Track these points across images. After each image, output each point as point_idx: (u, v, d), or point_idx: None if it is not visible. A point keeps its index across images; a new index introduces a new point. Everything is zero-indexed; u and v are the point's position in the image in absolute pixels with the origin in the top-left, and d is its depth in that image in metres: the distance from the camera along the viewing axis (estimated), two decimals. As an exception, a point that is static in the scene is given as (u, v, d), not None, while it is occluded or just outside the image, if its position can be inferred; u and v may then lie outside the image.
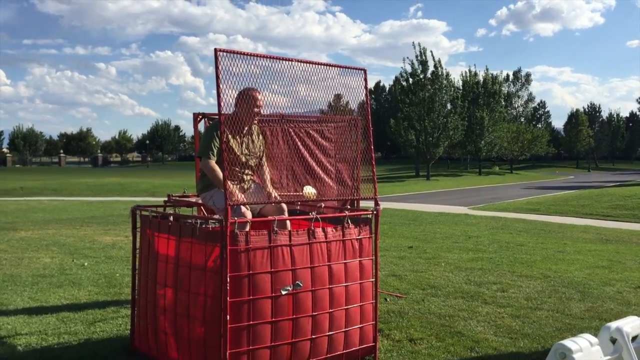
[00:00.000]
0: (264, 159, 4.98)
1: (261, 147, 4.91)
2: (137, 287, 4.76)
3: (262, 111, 4.65)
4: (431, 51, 48.65)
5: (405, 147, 49.38)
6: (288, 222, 4.55)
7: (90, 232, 12.39)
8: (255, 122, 4.80)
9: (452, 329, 5.46)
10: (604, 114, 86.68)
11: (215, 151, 4.53)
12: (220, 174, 4.45)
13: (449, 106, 48.80)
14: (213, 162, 4.51)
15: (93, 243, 10.64)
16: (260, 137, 4.93)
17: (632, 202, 19.90)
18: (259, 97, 4.54)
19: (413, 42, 67.54)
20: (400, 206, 20.60)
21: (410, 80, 47.23)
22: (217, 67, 3.83)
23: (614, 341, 2.92)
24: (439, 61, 47.48)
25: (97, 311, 5.96)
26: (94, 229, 12.85)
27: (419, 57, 47.07)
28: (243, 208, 4.31)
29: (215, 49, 3.87)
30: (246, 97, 4.48)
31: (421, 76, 47.11)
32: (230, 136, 4.58)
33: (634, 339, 3.02)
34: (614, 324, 2.89)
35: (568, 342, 2.54)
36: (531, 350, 4.91)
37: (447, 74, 48.06)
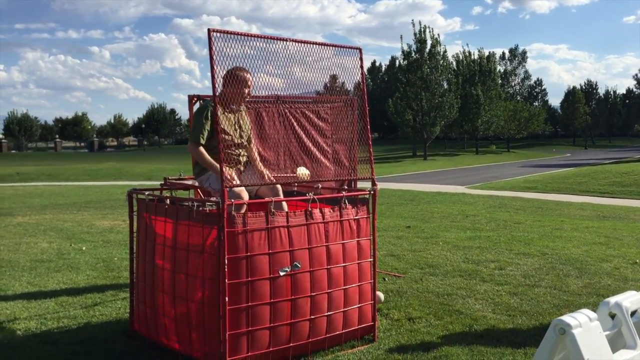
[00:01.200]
0: (252, 138, 4.95)
1: (249, 127, 4.87)
2: (135, 271, 4.75)
3: (251, 91, 4.60)
4: (431, 28, 48.40)
5: (403, 127, 49.27)
6: (284, 203, 4.53)
7: (87, 216, 12.38)
8: (244, 102, 4.76)
9: (451, 308, 5.48)
10: (601, 91, 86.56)
11: (205, 135, 4.49)
12: (208, 158, 4.45)
13: (445, 85, 48.63)
14: (200, 147, 4.48)
15: (91, 227, 10.63)
16: (247, 117, 4.88)
17: (629, 178, 19.95)
18: (249, 77, 4.48)
19: (412, 21, 66.73)
20: (398, 186, 20.60)
21: (408, 59, 46.98)
22: (210, 48, 3.79)
23: (613, 316, 2.92)
24: (437, 39, 47.21)
25: (96, 295, 5.97)
26: (91, 214, 12.84)
27: (417, 36, 46.77)
28: (238, 189, 4.28)
29: (209, 30, 3.82)
30: (235, 77, 4.42)
31: (417, 55, 46.85)
32: (223, 117, 4.54)
33: (632, 313, 3.04)
34: (613, 299, 2.89)
35: (567, 318, 2.54)
36: (529, 327, 4.94)
37: (445, 52, 47.86)
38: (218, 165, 4.10)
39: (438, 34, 47.25)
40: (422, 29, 46.87)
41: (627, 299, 2.93)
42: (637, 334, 2.91)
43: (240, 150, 4.72)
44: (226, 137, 4.50)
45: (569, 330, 2.48)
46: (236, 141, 4.65)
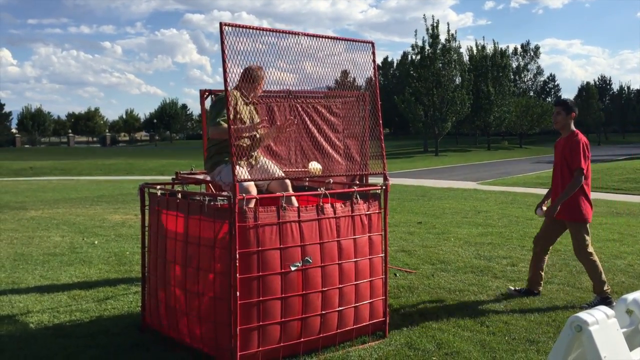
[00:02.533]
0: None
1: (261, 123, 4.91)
2: (147, 265, 4.77)
3: (262, 88, 4.74)
4: (447, 23, 48.09)
5: (414, 122, 49.02)
6: (294, 198, 4.53)
7: (99, 210, 12.45)
8: (257, 98, 4.86)
9: (463, 304, 5.46)
10: (615, 87, 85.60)
11: (225, 119, 4.52)
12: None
13: (457, 80, 48.30)
14: (224, 125, 4.50)
15: (103, 222, 10.69)
16: (258, 114, 4.95)
17: (643, 175, 19.71)
18: (263, 75, 4.60)
19: (424, 16, 65.87)
20: (409, 182, 20.53)
21: (421, 54, 46.69)
22: (222, 42, 3.78)
23: (630, 313, 2.88)
24: (452, 35, 46.90)
25: (108, 289, 6.00)
26: (103, 208, 12.91)
27: (429, 31, 46.46)
28: (247, 184, 4.28)
29: (221, 23, 3.81)
30: (251, 74, 4.53)
31: (430, 50, 46.55)
32: (241, 107, 4.59)
33: (650, 311, 2.99)
34: (630, 296, 2.85)
35: (584, 315, 2.50)
36: (542, 323, 4.90)
37: (459, 48, 47.59)
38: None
39: (455, 31, 46.88)
40: (436, 24, 46.54)
41: (644, 295, 2.88)
42: (655, 331, 2.87)
43: (253, 143, 4.72)
44: (241, 125, 4.55)
45: (586, 327, 2.44)
46: (253, 132, 4.67)
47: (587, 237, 5.49)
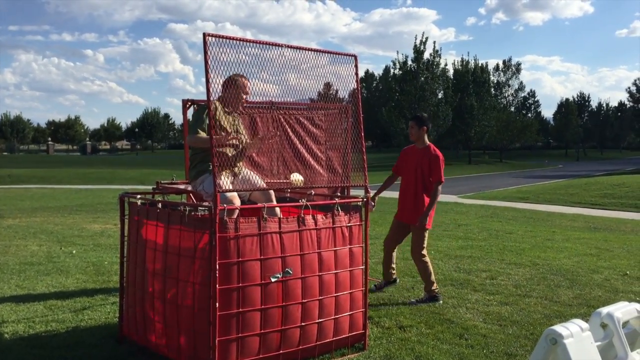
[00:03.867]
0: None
1: (245, 133, 4.92)
2: (126, 275, 4.72)
3: (248, 98, 4.71)
4: (434, 42, 48.66)
5: (397, 135, 49.31)
6: (277, 209, 4.53)
7: (78, 219, 12.30)
8: (242, 108, 4.85)
9: (442, 316, 5.47)
10: (593, 104, 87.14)
11: (205, 129, 4.53)
12: (207, 137, 4.46)
13: (439, 95, 48.78)
14: (202, 133, 4.51)
15: (81, 231, 10.56)
16: (242, 124, 4.96)
17: (620, 190, 20.05)
18: (247, 84, 4.58)
19: (416, 35, 65.62)
20: (391, 195, 20.58)
21: (403, 69, 47.13)
22: (205, 53, 3.78)
23: (604, 326, 2.92)
24: (437, 52, 47.48)
25: (85, 299, 5.92)
26: (82, 217, 12.76)
27: (417, 47, 46.95)
28: (230, 194, 4.27)
29: (204, 34, 3.82)
30: (235, 82, 4.52)
31: (413, 65, 47.01)
32: (222, 117, 4.59)
33: (624, 324, 3.03)
34: (604, 310, 2.89)
35: (559, 328, 2.54)
36: (520, 336, 4.93)
37: (445, 65, 48.31)
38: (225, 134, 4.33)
39: (440, 48, 47.63)
40: (424, 40, 47.03)
41: (619, 309, 2.93)
42: (629, 344, 2.91)
43: (237, 152, 4.71)
44: (223, 134, 4.55)
45: (561, 340, 2.48)
46: (234, 141, 4.65)
47: (425, 241, 6.05)
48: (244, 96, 4.64)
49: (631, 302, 3.11)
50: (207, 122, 4.51)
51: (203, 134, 4.51)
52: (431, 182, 6.03)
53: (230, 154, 4.57)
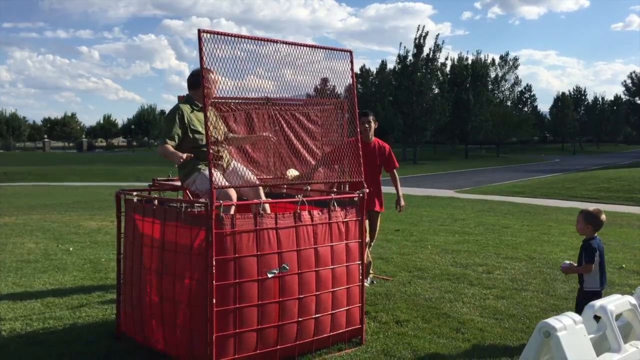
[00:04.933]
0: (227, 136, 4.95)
1: (222, 124, 4.88)
2: (123, 272, 4.73)
3: (217, 92, 4.58)
4: (437, 35, 48.57)
5: (394, 130, 49.36)
6: (267, 205, 4.53)
7: (75, 217, 12.29)
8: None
9: (439, 311, 5.50)
10: (589, 98, 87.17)
11: (174, 136, 4.52)
12: (171, 148, 4.45)
13: (436, 90, 48.82)
14: (168, 145, 4.49)
15: (78, 228, 10.55)
16: (215, 116, 4.86)
17: (616, 184, 20.11)
18: (215, 77, 4.38)
19: (418, 26, 65.06)
20: (387, 190, 20.61)
21: (403, 63, 47.08)
22: (200, 49, 3.78)
23: (598, 319, 2.94)
24: (438, 45, 47.42)
25: (83, 296, 5.92)
26: (79, 214, 12.75)
27: (416, 41, 46.84)
28: (227, 189, 4.27)
29: (199, 30, 3.81)
30: (202, 77, 4.39)
31: (413, 60, 46.95)
32: (192, 118, 4.59)
33: (617, 317, 3.06)
34: (598, 302, 2.91)
35: (552, 321, 2.56)
36: (516, 330, 4.96)
37: (446, 59, 48.36)
38: (180, 154, 4.30)
39: (443, 41, 47.62)
40: (425, 34, 46.92)
41: (612, 302, 2.95)
42: (622, 337, 2.93)
43: (218, 147, 4.67)
44: (197, 136, 4.54)
45: (554, 333, 2.50)
46: (217, 137, 4.61)
47: None
48: (213, 89, 4.46)
49: (624, 295, 3.13)
50: (177, 127, 4.51)
51: (170, 145, 4.48)
52: (386, 171, 6.71)
53: (213, 151, 4.51)
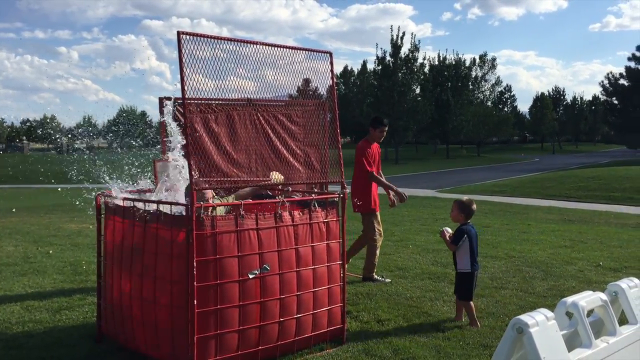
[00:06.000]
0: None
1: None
2: (103, 274, 4.71)
3: None
4: (413, 34, 48.81)
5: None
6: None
7: (55, 219, 12.17)
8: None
9: (420, 310, 5.55)
10: (568, 98, 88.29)
11: None
12: None
13: (418, 90, 49.05)
14: None
15: (58, 231, 10.45)
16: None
17: (594, 183, 20.41)
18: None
19: (392, 26, 65.52)
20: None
21: (382, 64, 47.22)
22: (180, 51, 3.78)
23: (570, 315, 3.01)
24: (416, 46, 47.61)
25: (63, 299, 5.88)
26: (59, 217, 12.62)
27: (393, 41, 47.01)
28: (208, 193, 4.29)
29: (178, 32, 3.81)
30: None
31: (392, 60, 47.11)
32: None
33: (589, 313, 3.13)
34: (569, 299, 2.98)
35: (525, 317, 2.61)
36: (495, 328, 5.03)
37: (424, 59, 48.58)
38: None
39: (419, 41, 47.81)
40: (401, 35, 47.09)
41: (583, 298, 3.02)
42: (594, 333, 3.00)
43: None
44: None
45: (526, 329, 2.55)
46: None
47: None
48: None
49: (596, 292, 3.20)
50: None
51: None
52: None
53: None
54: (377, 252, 6.78)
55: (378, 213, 6.87)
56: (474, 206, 5.41)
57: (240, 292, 4.01)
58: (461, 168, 41.52)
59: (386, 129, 6.90)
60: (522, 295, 6.09)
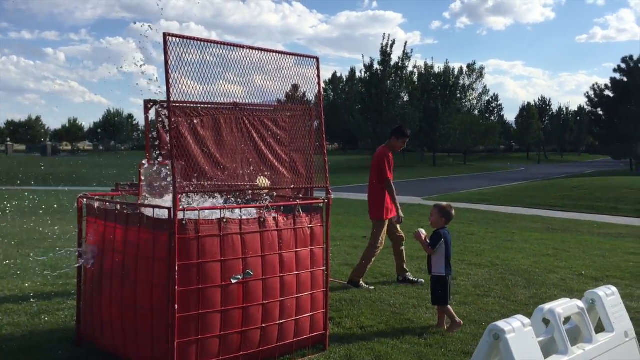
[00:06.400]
0: None
1: None
2: (84, 277, 4.66)
3: None
4: (405, 43, 49.06)
5: (364, 137, 49.62)
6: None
7: (36, 222, 12.02)
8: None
9: (402, 317, 5.55)
10: (554, 108, 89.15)
11: None
12: None
13: (405, 98, 49.30)
14: None
15: (39, 233, 10.33)
16: None
17: (578, 192, 20.61)
18: None
19: (384, 34, 65.97)
20: (356, 197, 20.72)
21: (370, 72, 47.40)
22: (166, 53, 3.76)
23: (547, 322, 3.03)
24: (407, 54, 47.86)
25: (42, 302, 5.80)
26: (40, 219, 12.48)
27: (384, 48, 47.21)
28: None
29: (165, 34, 3.79)
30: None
31: (381, 68, 47.31)
32: None
33: (566, 320, 3.15)
34: (546, 306, 3.00)
35: (501, 323, 2.63)
36: (477, 335, 5.04)
37: (414, 67, 48.85)
38: None
39: (412, 50, 48.18)
40: (391, 43, 47.30)
41: (560, 305, 3.04)
42: (571, 340, 3.02)
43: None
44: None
45: (503, 336, 2.56)
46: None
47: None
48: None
49: (573, 299, 3.22)
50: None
51: None
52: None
53: None
54: (373, 260, 6.82)
55: (387, 221, 6.95)
56: (453, 211, 5.56)
57: (222, 297, 3.98)
58: (447, 176, 41.72)
59: (407, 140, 7.01)
60: (505, 303, 6.11)
